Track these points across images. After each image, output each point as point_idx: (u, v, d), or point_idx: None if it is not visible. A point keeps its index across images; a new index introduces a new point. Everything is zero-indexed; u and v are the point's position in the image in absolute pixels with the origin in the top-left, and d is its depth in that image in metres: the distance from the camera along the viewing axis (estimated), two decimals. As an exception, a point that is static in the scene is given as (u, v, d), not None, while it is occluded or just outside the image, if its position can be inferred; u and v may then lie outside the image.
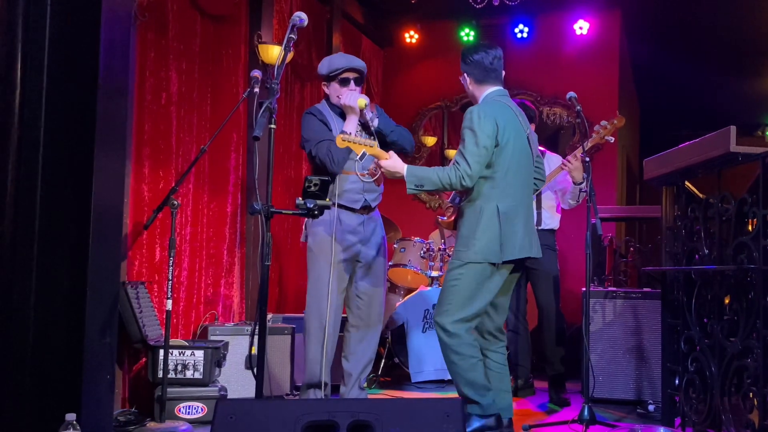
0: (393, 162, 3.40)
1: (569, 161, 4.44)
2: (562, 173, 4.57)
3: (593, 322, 4.60)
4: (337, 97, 3.83)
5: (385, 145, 3.84)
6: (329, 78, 3.88)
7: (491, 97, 3.48)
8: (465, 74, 3.54)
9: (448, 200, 3.71)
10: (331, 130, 3.82)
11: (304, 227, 3.96)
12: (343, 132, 3.44)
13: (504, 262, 3.34)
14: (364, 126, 3.82)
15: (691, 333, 3.43)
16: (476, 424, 3.32)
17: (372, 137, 3.79)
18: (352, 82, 3.84)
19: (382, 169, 3.43)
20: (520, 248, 3.34)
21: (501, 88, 3.52)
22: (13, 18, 3.00)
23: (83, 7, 3.07)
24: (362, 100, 3.71)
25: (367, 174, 3.80)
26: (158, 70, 4.25)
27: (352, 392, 3.87)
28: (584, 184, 4.43)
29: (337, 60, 3.90)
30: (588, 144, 4.29)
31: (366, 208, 3.86)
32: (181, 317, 4.46)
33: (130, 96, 3.82)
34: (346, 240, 3.80)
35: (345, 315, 4.04)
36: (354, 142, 3.36)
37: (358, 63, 3.89)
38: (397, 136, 3.88)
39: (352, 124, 3.76)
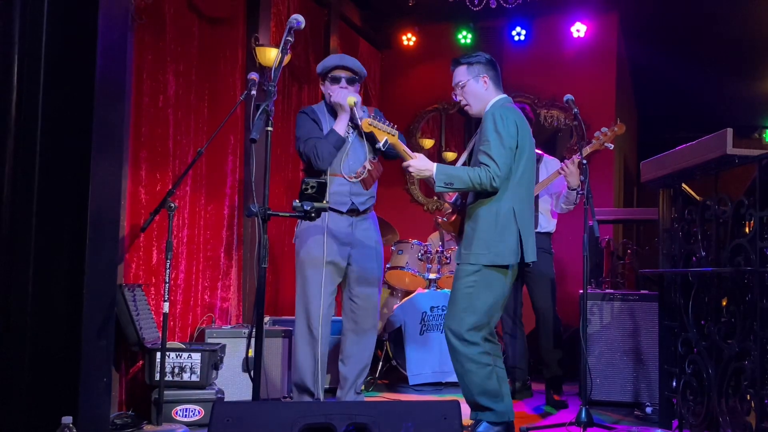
0: (421, 162, 3.37)
1: (567, 166, 4.46)
2: (559, 177, 4.58)
3: (591, 325, 4.59)
4: (329, 95, 3.83)
5: (374, 150, 3.84)
6: (323, 77, 3.88)
7: (501, 102, 3.46)
8: (483, 76, 3.46)
9: (450, 201, 3.69)
10: (321, 129, 3.82)
11: (295, 228, 3.95)
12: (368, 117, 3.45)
13: (514, 265, 3.34)
14: (356, 125, 3.82)
15: (688, 335, 3.43)
16: (487, 430, 3.31)
17: (361, 137, 3.80)
18: (343, 80, 3.81)
19: (410, 168, 3.39)
20: (533, 251, 3.37)
21: (506, 95, 3.52)
22: (9, 21, 3.00)
23: (80, 9, 3.07)
24: (352, 98, 3.71)
25: (354, 177, 3.79)
26: (155, 72, 4.25)
27: (349, 396, 3.86)
28: (579, 188, 4.48)
29: (330, 58, 3.92)
30: (588, 150, 4.29)
31: (354, 211, 3.82)
32: (178, 320, 4.45)
33: (127, 98, 3.82)
34: (334, 242, 3.77)
35: (340, 318, 4.03)
36: (378, 128, 3.37)
37: (351, 62, 3.86)
38: None
39: (342, 122, 3.76)
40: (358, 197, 3.83)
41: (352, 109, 3.73)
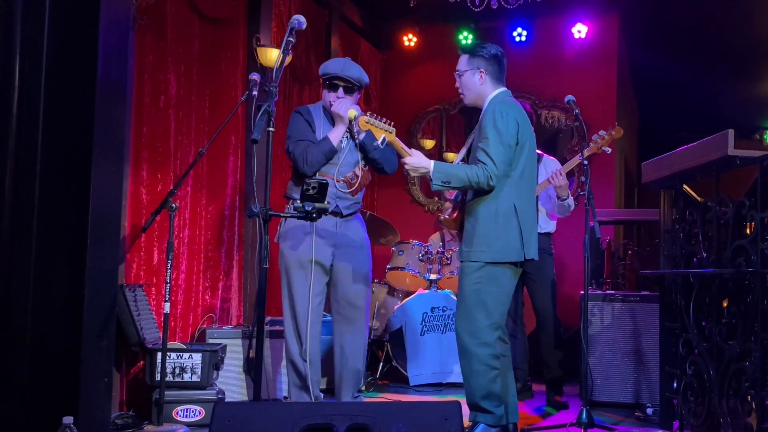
0: (417, 159, 3.34)
1: (555, 178, 4.48)
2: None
3: (591, 326, 4.59)
4: (330, 103, 3.80)
5: (367, 160, 3.84)
6: (322, 81, 3.87)
7: (501, 97, 3.43)
8: (480, 70, 3.42)
9: (451, 197, 3.67)
10: (314, 131, 3.81)
11: (279, 227, 3.93)
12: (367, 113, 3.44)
13: (517, 262, 3.33)
14: (352, 135, 3.82)
15: (689, 336, 3.43)
16: None
17: (356, 146, 3.80)
18: (340, 89, 3.79)
19: (406, 165, 3.35)
20: (535, 249, 3.35)
21: (507, 89, 3.50)
22: (11, 21, 3.00)
23: (82, 10, 3.07)
24: (353, 112, 3.69)
25: (343, 181, 3.78)
26: (157, 73, 4.26)
27: (347, 397, 3.83)
28: (569, 199, 4.52)
29: (331, 64, 3.87)
30: (585, 153, 4.30)
31: (337, 214, 3.79)
32: (179, 320, 4.46)
33: (129, 99, 3.82)
34: (317, 243, 3.75)
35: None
36: (375, 126, 3.36)
37: (351, 72, 3.79)
38: (378, 154, 3.80)
39: (338, 131, 3.74)
40: (343, 201, 3.80)
41: (350, 122, 3.72)
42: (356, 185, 3.81)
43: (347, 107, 3.70)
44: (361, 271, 3.85)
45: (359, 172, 3.83)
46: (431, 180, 3.29)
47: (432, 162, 3.31)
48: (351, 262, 3.82)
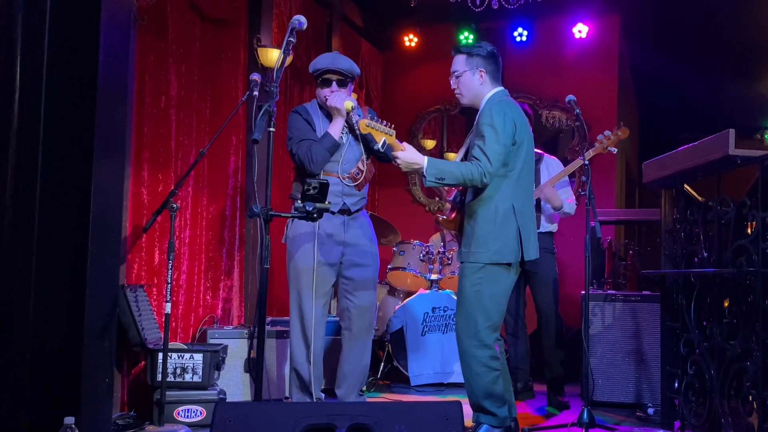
0: (410, 154, 3.27)
1: (542, 191, 4.49)
2: (561, 181, 4.61)
3: (592, 326, 4.59)
4: (325, 98, 3.79)
5: (369, 151, 3.84)
6: (314, 78, 3.86)
7: (499, 96, 3.41)
8: (480, 69, 3.39)
9: (450, 198, 3.65)
10: (315, 130, 3.80)
11: (285, 228, 3.93)
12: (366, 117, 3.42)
13: (518, 262, 3.32)
14: (351, 128, 3.81)
15: (690, 336, 3.43)
16: None
17: (357, 139, 3.79)
18: (333, 83, 3.78)
19: (398, 161, 3.29)
20: (534, 249, 3.34)
21: (504, 88, 3.49)
22: (12, 22, 3.00)
23: (83, 10, 3.07)
24: (349, 103, 3.68)
25: (348, 177, 3.78)
26: (158, 73, 4.26)
27: (349, 397, 3.84)
28: (566, 206, 4.51)
29: (320, 60, 3.84)
30: (591, 154, 4.29)
31: (345, 212, 3.80)
32: (180, 320, 4.46)
33: (130, 99, 3.82)
34: (327, 243, 3.76)
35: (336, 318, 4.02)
36: (376, 129, 3.32)
37: (341, 64, 3.79)
38: None
39: (337, 125, 3.74)
40: (350, 198, 3.81)
41: (348, 113, 3.72)
42: (361, 179, 3.81)
43: (343, 99, 3.70)
44: (368, 271, 3.86)
45: (362, 167, 3.83)
46: (425, 177, 3.23)
47: (426, 158, 3.25)
48: (358, 262, 3.83)
